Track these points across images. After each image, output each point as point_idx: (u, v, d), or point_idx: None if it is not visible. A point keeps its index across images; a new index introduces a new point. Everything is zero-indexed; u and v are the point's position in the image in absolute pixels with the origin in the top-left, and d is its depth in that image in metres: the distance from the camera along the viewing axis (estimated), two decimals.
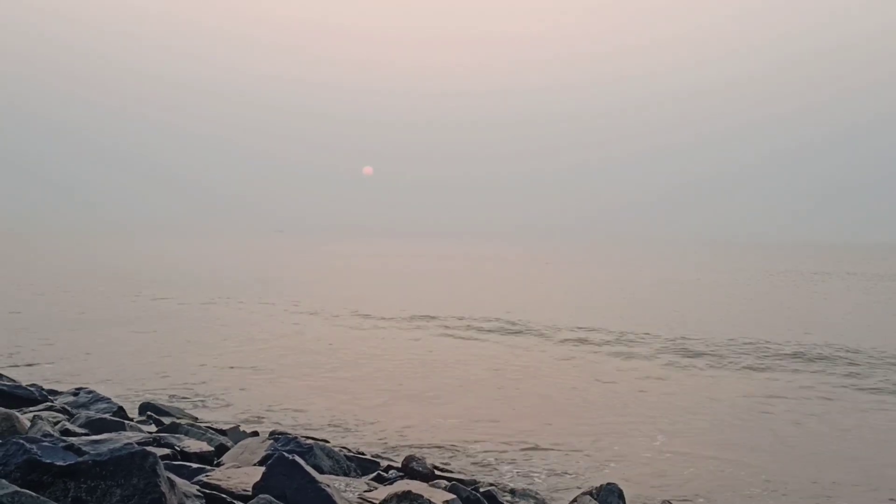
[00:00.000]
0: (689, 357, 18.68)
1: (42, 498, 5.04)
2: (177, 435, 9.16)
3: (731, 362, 18.06)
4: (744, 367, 17.57)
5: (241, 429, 10.96)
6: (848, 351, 18.61)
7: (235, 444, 9.42)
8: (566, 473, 9.80)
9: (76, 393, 12.79)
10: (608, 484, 9.03)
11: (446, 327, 23.83)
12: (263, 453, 8.24)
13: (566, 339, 21.49)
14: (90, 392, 12.81)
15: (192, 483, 6.68)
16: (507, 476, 9.59)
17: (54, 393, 12.48)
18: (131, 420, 10.78)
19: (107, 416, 10.49)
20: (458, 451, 10.61)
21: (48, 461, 5.40)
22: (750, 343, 20.71)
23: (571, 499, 8.31)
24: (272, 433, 10.48)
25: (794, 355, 18.48)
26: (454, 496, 7.68)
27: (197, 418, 11.63)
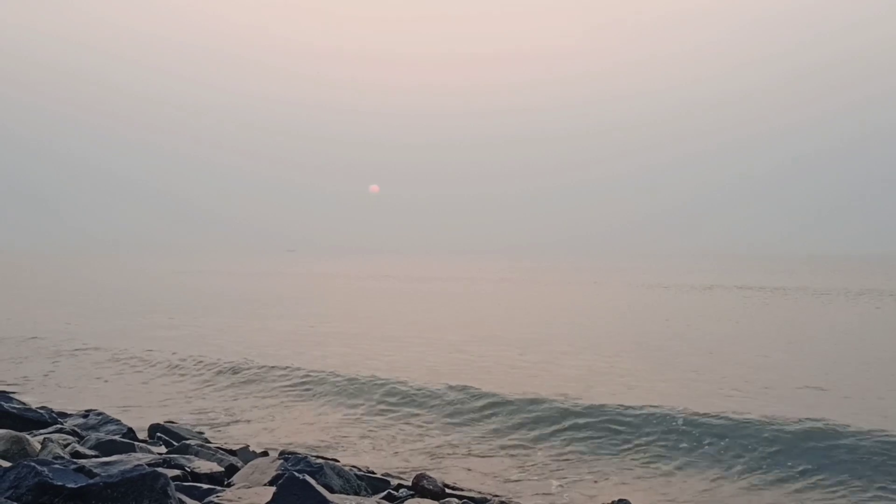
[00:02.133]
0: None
1: None
2: (187, 456, 9.15)
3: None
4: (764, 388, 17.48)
5: (251, 449, 10.94)
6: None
7: (245, 464, 9.40)
8: (580, 489, 9.74)
9: (86, 415, 12.80)
10: (620, 500, 8.98)
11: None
12: (274, 473, 8.22)
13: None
14: (99, 414, 12.82)
15: None
16: (519, 493, 9.53)
17: (64, 415, 12.49)
18: (141, 441, 10.77)
19: (117, 437, 10.49)
20: (469, 468, 10.57)
21: (59, 483, 5.42)
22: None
23: None
24: (282, 453, 10.46)
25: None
26: None
27: (207, 439, 11.62)
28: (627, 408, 13.12)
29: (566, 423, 12.75)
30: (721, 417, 12.37)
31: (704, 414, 12.58)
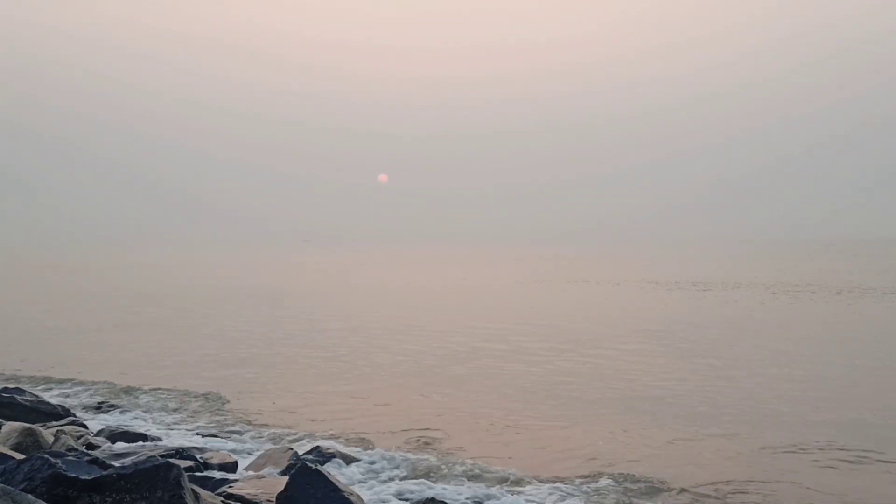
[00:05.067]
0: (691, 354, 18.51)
1: None
2: (199, 446, 9.20)
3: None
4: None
5: (263, 439, 10.97)
6: None
7: (258, 453, 9.44)
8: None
9: (99, 407, 12.88)
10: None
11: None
12: (286, 462, 8.26)
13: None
14: (112, 406, 12.90)
15: (217, 494, 6.69)
16: (526, 482, 9.51)
17: (77, 406, 12.57)
18: (153, 433, 10.81)
19: (129, 429, 10.55)
20: (484, 458, 10.54)
21: (73, 475, 5.43)
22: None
23: None
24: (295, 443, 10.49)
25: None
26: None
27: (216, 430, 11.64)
28: None
29: None
30: None
31: None
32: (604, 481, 9.20)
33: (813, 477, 9.73)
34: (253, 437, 11.04)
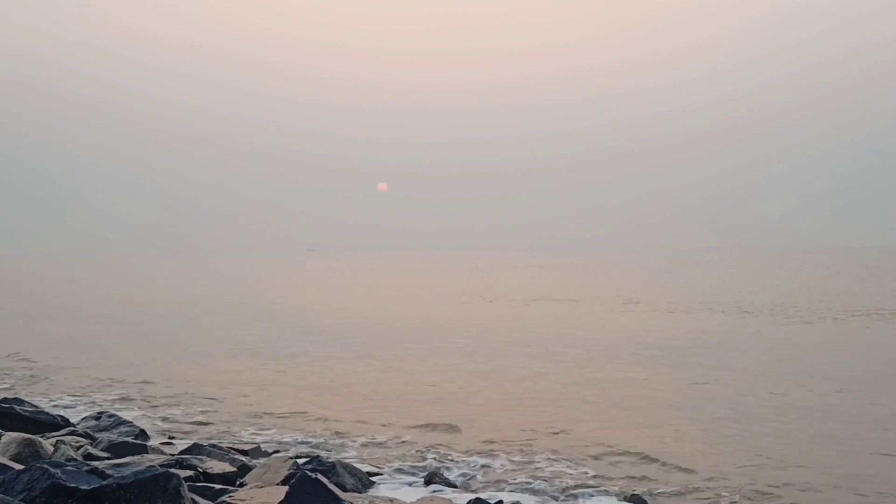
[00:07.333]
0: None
1: None
2: (199, 456, 9.16)
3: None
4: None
5: (263, 448, 10.95)
6: None
7: (258, 463, 9.41)
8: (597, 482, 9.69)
9: (98, 417, 12.83)
10: (633, 495, 8.95)
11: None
12: (286, 472, 8.22)
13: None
14: (111, 416, 12.85)
15: None
16: (536, 494, 9.49)
17: (77, 414, 12.54)
18: (153, 443, 10.79)
19: (129, 439, 10.51)
20: (482, 464, 10.53)
21: (73, 485, 5.42)
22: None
23: None
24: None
25: None
26: None
27: (217, 440, 11.63)
28: None
29: None
30: None
31: None
32: None
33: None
34: (252, 447, 11.02)
